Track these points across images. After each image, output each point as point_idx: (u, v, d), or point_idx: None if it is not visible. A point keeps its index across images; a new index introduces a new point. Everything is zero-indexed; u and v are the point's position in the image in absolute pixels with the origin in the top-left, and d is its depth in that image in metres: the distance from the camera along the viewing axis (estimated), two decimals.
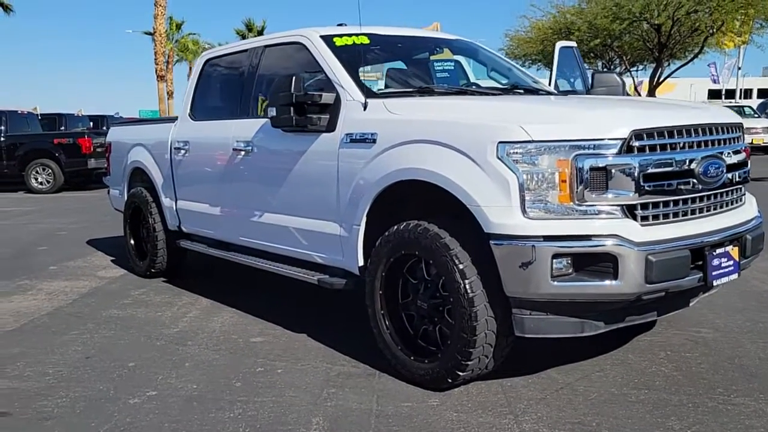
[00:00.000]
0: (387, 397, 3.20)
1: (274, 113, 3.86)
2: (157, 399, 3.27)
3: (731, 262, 3.16)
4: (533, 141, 2.86)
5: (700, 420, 2.85)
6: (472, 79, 4.80)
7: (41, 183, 14.98)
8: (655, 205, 2.94)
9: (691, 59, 24.52)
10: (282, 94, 3.76)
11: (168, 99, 30.09)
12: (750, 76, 53.70)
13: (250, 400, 3.21)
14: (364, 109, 3.61)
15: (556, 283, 2.83)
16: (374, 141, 3.46)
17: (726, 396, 3.09)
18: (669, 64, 24.87)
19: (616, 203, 2.87)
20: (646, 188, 2.89)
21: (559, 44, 5.27)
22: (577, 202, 2.85)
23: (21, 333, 4.44)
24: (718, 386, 3.20)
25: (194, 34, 42.68)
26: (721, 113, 3.43)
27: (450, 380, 3.16)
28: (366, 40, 4.23)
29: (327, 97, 3.76)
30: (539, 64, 28.68)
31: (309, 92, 3.73)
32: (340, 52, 4.03)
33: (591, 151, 2.84)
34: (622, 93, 4.81)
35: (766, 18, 21.46)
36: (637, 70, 29.84)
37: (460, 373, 3.11)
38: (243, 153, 4.47)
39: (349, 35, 4.23)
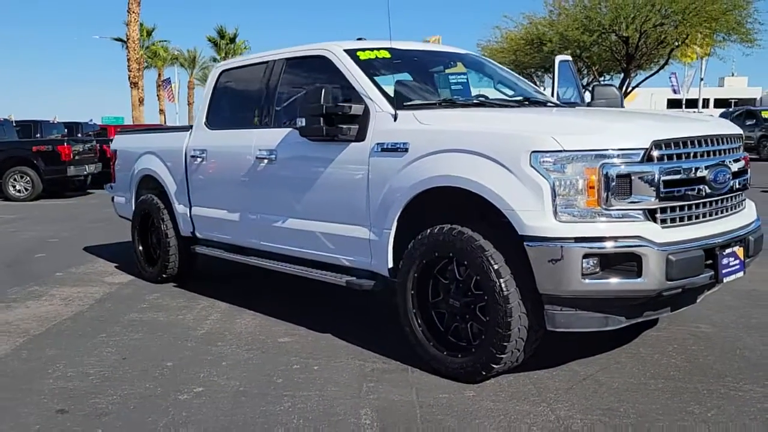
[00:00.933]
0: (424, 389, 3.42)
1: (304, 123, 4.07)
2: (205, 395, 3.44)
3: (737, 261, 3.47)
4: (564, 150, 3.12)
5: (717, 405, 3.13)
6: (472, 92, 5.06)
7: (19, 191, 14.81)
8: (673, 209, 3.23)
9: (658, 70, 25.36)
10: (312, 105, 3.97)
11: (139, 105, 29.81)
12: (707, 86, 55.40)
13: (296, 395, 3.40)
14: (395, 120, 3.84)
15: (586, 281, 3.09)
16: (406, 150, 3.68)
17: (735, 383, 3.38)
18: (636, 75, 25.68)
19: (639, 207, 3.15)
20: (665, 193, 3.17)
21: (558, 58, 5.58)
22: (603, 207, 3.12)
23: (49, 336, 4.55)
24: (727, 375, 3.50)
25: (165, 41, 42.47)
26: (723, 124, 3.75)
27: (484, 373, 3.40)
28: (387, 54, 4.47)
29: (356, 109, 3.98)
30: None
31: (339, 104, 3.95)
32: (365, 66, 4.26)
33: (616, 160, 3.12)
34: (621, 105, 5.13)
35: (727, 32, 22.32)
36: (604, 80, 30.62)
37: (495, 366, 3.35)
38: (266, 161, 4.65)
39: (371, 49, 4.46)
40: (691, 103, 42.39)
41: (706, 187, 3.35)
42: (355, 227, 4.05)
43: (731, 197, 3.58)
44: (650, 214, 3.17)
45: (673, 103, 47.56)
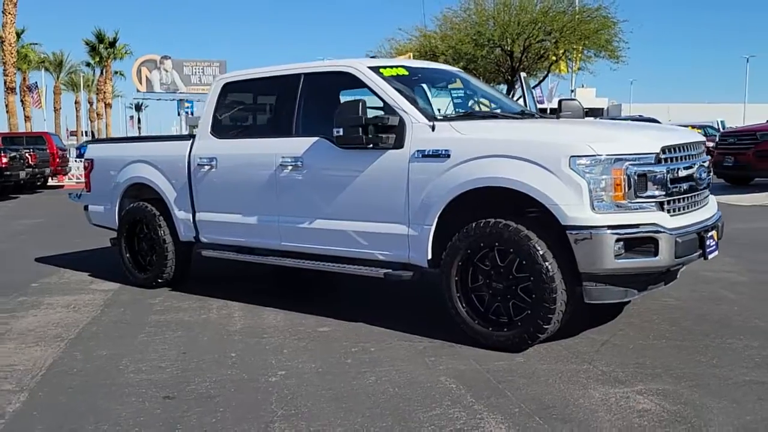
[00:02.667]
0: (480, 359, 4.00)
1: (341, 133, 4.55)
2: (292, 376, 3.83)
3: (714, 243, 4.35)
4: (597, 155, 3.84)
5: (715, 354, 3.97)
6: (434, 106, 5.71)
7: None
8: (675, 200, 4.04)
9: (539, 83, 27.46)
10: (351, 116, 4.46)
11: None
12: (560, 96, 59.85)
13: (373, 371, 3.88)
14: (433, 129, 4.41)
15: (617, 260, 3.82)
16: (448, 156, 4.27)
17: (720, 339, 4.26)
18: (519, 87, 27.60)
19: (653, 200, 3.93)
20: (670, 188, 3.98)
21: (522, 74, 6.38)
22: (628, 200, 3.87)
23: (88, 340, 4.69)
24: (710, 333, 4.38)
25: (36, 44, 39.96)
26: (694, 134, 4.65)
27: (530, 342, 4.05)
28: (405, 72, 5.03)
29: (392, 120, 4.51)
30: None
31: (378, 115, 4.47)
32: (392, 81, 4.79)
33: (636, 162, 3.88)
34: (583, 116, 5.98)
35: (598, 49, 24.67)
36: None
37: (540, 335, 4.01)
38: (290, 168, 5.05)
39: (391, 67, 5.01)
40: (552, 111, 45.59)
41: (694, 183, 4.20)
42: (393, 225, 4.56)
43: (705, 191, 4.47)
44: (660, 206, 3.96)
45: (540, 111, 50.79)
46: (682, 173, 4.10)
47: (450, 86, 5.48)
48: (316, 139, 4.97)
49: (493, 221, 4.10)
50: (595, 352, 4.08)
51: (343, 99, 5.36)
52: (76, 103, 63.21)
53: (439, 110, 4.94)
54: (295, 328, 4.81)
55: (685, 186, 4.12)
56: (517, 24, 22.95)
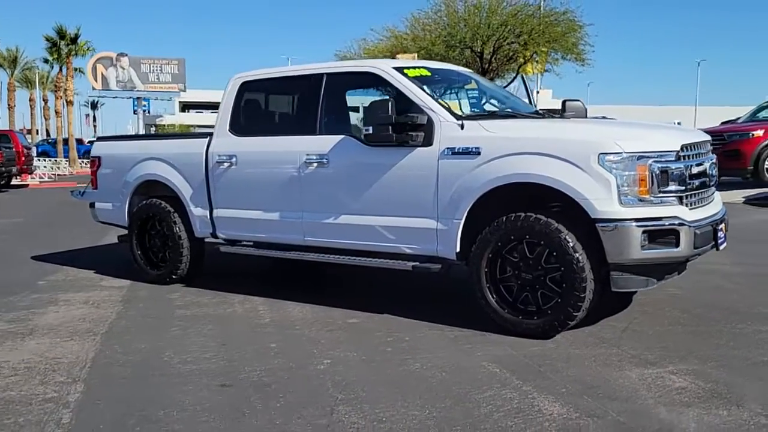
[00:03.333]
0: (513, 346, 4.22)
1: (371, 131, 4.72)
2: (339, 364, 3.99)
3: (723, 235, 4.66)
4: (624, 152, 4.10)
5: (730, 338, 4.27)
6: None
7: None
8: (692, 195, 4.33)
9: (509, 83, 27.91)
10: (381, 115, 4.64)
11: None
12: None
13: (415, 358, 4.06)
14: (462, 128, 4.61)
15: (643, 251, 4.08)
16: (478, 153, 4.48)
17: (731, 324, 4.57)
18: None
19: (674, 195, 4.20)
20: (688, 183, 4.27)
21: (522, 75, 6.63)
22: (651, 195, 4.13)
23: (123, 334, 4.76)
24: (720, 319, 4.69)
25: None
26: (703, 133, 4.96)
27: (559, 329, 4.29)
28: (428, 73, 5.23)
29: (420, 119, 4.70)
30: None
31: (409, 114, 4.66)
32: (417, 82, 4.98)
33: (658, 159, 4.15)
34: (585, 115, 6.25)
35: (565, 51, 25.25)
36: None
37: (570, 322, 4.25)
38: (315, 165, 5.20)
39: (414, 67, 5.19)
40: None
41: (706, 179, 4.50)
42: (421, 219, 4.75)
43: (713, 187, 4.78)
44: (679, 200, 4.24)
45: None
46: (696, 170, 4.39)
47: (466, 87, 5.69)
48: (341, 137, 5.12)
49: (524, 215, 4.33)
50: (619, 338, 4.34)
51: (365, 100, 5.51)
52: (30, 100, 61.66)
53: (461, 110, 5.13)
54: (324, 320, 4.96)
55: (698, 182, 4.41)
56: (487, 26, 23.35)
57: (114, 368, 4.04)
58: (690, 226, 4.16)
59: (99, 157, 6.91)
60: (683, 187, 4.23)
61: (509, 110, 5.35)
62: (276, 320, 5.01)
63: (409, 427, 3.10)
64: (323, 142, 5.20)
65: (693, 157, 4.38)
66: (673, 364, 3.81)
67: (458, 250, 4.64)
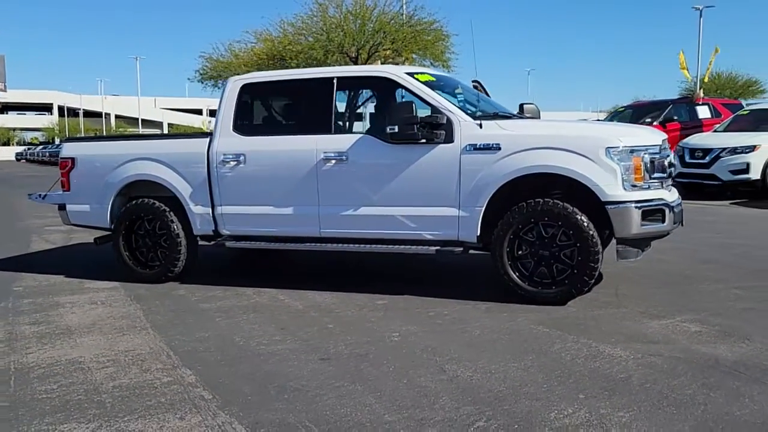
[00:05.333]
0: (543, 312, 4.94)
1: (396, 130, 5.27)
2: (408, 335, 4.49)
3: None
4: (625, 146, 4.98)
5: (711, 295, 5.30)
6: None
7: None
8: (666, 181, 5.32)
9: None
10: (407, 115, 5.21)
11: None
12: None
13: (470, 326, 4.66)
14: (480, 127, 5.28)
15: (642, 226, 4.99)
16: (499, 148, 5.17)
17: (704, 285, 5.62)
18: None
19: (658, 180, 5.16)
20: (666, 172, 5.25)
21: (473, 81, 7.42)
22: (644, 181, 5.06)
23: (169, 327, 4.90)
24: (693, 283, 5.73)
25: None
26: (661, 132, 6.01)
27: (574, 296, 5.09)
28: (432, 78, 5.84)
29: (440, 119, 5.32)
30: None
31: (430, 115, 5.26)
32: (430, 86, 5.59)
33: (649, 152, 5.08)
34: (539, 116, 7.17)
35: (434, 59, 26.83)
36: None
37: (584, 290, 5.07)
38: (334, 161, 5.63)
39: (422, 73, 5.79)
40: None
41: (673, 168, 5.53)
42: (444, 208, 5.36)
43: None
44: (661, 185, 5.20)
45: None
46: (667, 161, 5.39)
47: (455, 91, 6.36)
48: (360, 135, 5.61)
49: (543, 200, 5.08)
50: (618, 301, 5.22)
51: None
52: None
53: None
54: (354, 303, 5.40)
55: (670, 170, 5.42)
56: (362, 33, 24.26)
57: (200, 354, 4.25)
58: (670, 206, 5.14)
59: (73, 158, 6.78)
60: (664, 174, 5.21)
61: (502, 112, 6.08)
62: (309, 306, 5.37)
63: (516, 376, 3.70)
64: (341, 140, 5.64)
65: (665, 150, 5.37)
66: (679, 316, 4.73)
67: (479, 233, 5.31)
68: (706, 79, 37.65)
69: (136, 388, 3.68)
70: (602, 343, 4.18)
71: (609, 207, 4.96)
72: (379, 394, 3.49)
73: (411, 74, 5.69)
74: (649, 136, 5.26)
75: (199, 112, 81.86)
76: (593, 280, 5.06)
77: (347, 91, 5.87)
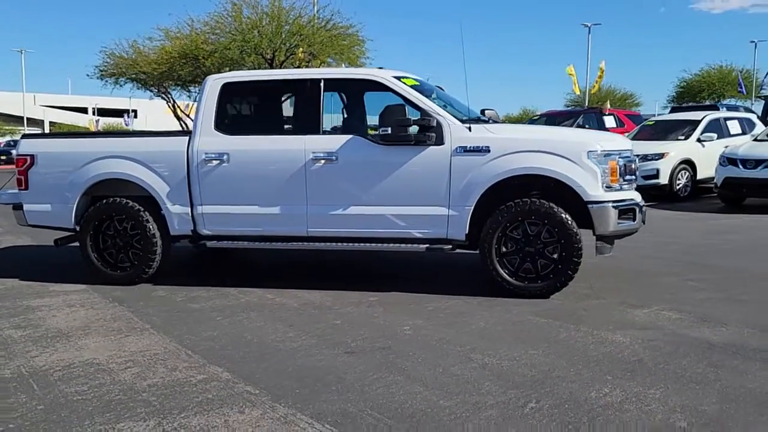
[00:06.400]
0: (530, 305, 5.26)
1: (389, 131, 5.46)
2: (420, 329, 4.67)
3: None
4: (603, 150, 5.41)
5: (676, 287, 5.81)
6: None
7: None
8: (633, 183, 5.80)
9: None
10: (399, 118, 5.42)
11: None
12: None
13: (473, 319, 4.89)
14: (470, 130, 5.55)
15: (618, 224, 5.43)
16: (488, 151, 5.46)
17: (660, 279, 6.14)
18: None
19: (629, 182, 5.62)
20: (634, 175, 5.73)
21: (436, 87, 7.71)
22: (619, 183, 5.50)
23: (174, 328, 4.83)
24: (658, 276, 6.24)
25: None
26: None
27: (558, 289, 5.44)
28: (416, 82, 6.05)
29: (431, 122, 5.55)
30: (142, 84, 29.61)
31: (422, 117, 5.49)
32: (416, 90, 5.80)
33: (623, 156, 5.54)
34: (499, 120, 7.53)
35: (350, 62, 27.04)
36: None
37: (567, 283, 5.44)
38: (323, 161, 5.72)
39: (406, 77, 5.99)
40: None
41: (637, 171, 6.03)
42: (433, 207, 5.59)
43: None
44: (630, 186, 5.68)
45: None
46: (634, 165, 5.88)
47: (432, 96, 6.59)
48: (349, 137, 5.74)
49: (530, 200, 5.41)
50: (597, 294, 5.63)
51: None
52: None
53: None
54: (348, 300, 5.51)
55: (637, 173, 5.91)
56: (279, 35, 24.10)
57: (221, 352, 4.25)
58: (640, 206, 5.62)
59: (32, 155, 6.45)
60: (633, 177, 5.68)
61: (476, 117, 6.39)
62: (304, 304, 5.43)
63: (542, 362, 3.97)
64: (330, 141, 5.75)
65: (633, 155, 5.86)
66: (654, 306, 5.18)
67: (467, 231, 5.57)
68: (594, 91, 40.32)
69: (174, 387, 3.66)
70: (602, 331, 4.54)
71: (590, 206, 5.36)
72: (422, 383, 3.66)
73: (398, 77, 5.88)
74: (622, 142, 5.73)
75: (84, 110, 77.24)
76: (575, 274, 5.44)
77: (334, 93, 5.97)
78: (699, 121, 14.43)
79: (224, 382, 3.71)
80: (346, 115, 6.46)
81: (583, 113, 17.72)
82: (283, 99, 6.24)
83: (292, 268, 7.13)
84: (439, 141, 5.54)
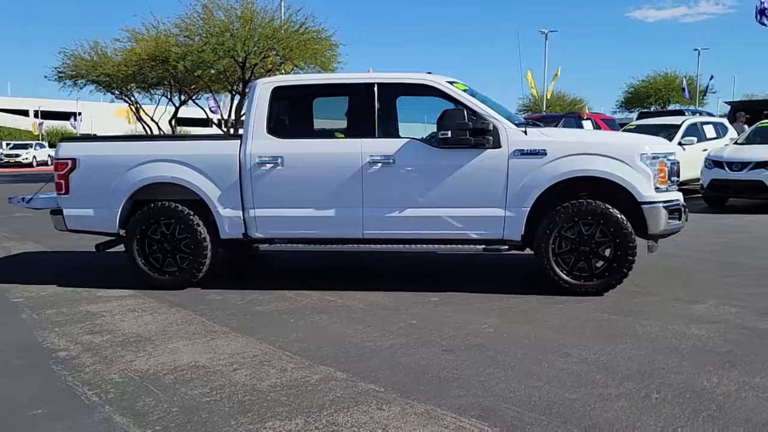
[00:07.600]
0: (588, 302, 5.46)
1: (449, 135, 5.60)
2: (497, 327, 4.80)
3: None
4: (653, 153, 5.66)
5: (707, 283, 6.10)
6: None
7: None
8: (676, 184, 6.07)
9: None
10: (460, 122, 5.56)
11: None
12: None
13: (540, 317, 5.06)
14: (526, 134, 5.72)
15: (668, 224, 5.68)
16: (545, 153, 5.64)
17: (706, 274, 6.43)
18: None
19: (674, 183, 5.89)
20: (678, 176, 6.00)
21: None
22: (667, 184, 5.76)
23: (253, 332, 4.85)
24: (694, 271, 6.53)
25: None
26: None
27: (614, 287, 5.66)
28: (465, 87, 6.19)
29: (488, 125, 5.70)
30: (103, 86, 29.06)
31: (483, 122, 5.64)
32: (470, 95, 5.94)
33: (670, 159, 5.80)
34: None
35: (322, 65, 27.04)
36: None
37: (622, 281, 5.66)
38: (380, 165, 5.81)
39: (456, 82, 6.13)
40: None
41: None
42: (490, 209, 5.74)
43: None
44: (675, 187, 5.94)
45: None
46: (677, 167, 6.15)
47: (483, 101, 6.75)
48: (406, 140, 5.85)
49: (586, 202, 5.62)
50: (646, 290, 5.86)
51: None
52: None
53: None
54: (410, 300, 5.61)
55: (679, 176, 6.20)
56: (252, 38, 23.92)
57: (317, 352, 4.30)
58: (684, 206, 5.89)
59: (73, 159, 6.34)
60: (678, 178, 5.96)
61: (526, 121, 6.57)
62: (369, 305, 5.50)
63: (640, 355, 4.13)
64: (387, 144, 5.84)
65: (677, 158, 6.13)
66: (707, 301, 5.44)
67: (523, 233, 5.74)
68: (548, 96, 41.30)
69: (295, 387, 3.70)
70: (674, 325, 4.76)
71: (644, 206, 5.60)
72: (536, 377, 3.79)
73: (451, 82, 6.01)
74: (668, 145, 5.99)
75: (25, 113, 74.05)
76: (630, 272, 5.66)
77: (388, 97, 6.06)
78: (679, 126, 15.00)
79: (343, 381, 3.77)
80: (400, 120, 6.56)
81: (565, 117, 18.14)
82: (336, 103, 6.29)
83: (319, 270, 7.17)
84: (496, 144, 5.70)
